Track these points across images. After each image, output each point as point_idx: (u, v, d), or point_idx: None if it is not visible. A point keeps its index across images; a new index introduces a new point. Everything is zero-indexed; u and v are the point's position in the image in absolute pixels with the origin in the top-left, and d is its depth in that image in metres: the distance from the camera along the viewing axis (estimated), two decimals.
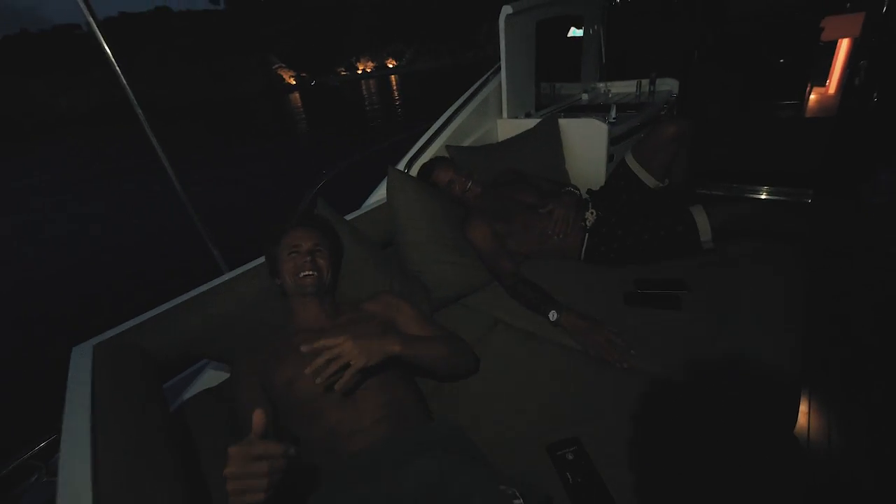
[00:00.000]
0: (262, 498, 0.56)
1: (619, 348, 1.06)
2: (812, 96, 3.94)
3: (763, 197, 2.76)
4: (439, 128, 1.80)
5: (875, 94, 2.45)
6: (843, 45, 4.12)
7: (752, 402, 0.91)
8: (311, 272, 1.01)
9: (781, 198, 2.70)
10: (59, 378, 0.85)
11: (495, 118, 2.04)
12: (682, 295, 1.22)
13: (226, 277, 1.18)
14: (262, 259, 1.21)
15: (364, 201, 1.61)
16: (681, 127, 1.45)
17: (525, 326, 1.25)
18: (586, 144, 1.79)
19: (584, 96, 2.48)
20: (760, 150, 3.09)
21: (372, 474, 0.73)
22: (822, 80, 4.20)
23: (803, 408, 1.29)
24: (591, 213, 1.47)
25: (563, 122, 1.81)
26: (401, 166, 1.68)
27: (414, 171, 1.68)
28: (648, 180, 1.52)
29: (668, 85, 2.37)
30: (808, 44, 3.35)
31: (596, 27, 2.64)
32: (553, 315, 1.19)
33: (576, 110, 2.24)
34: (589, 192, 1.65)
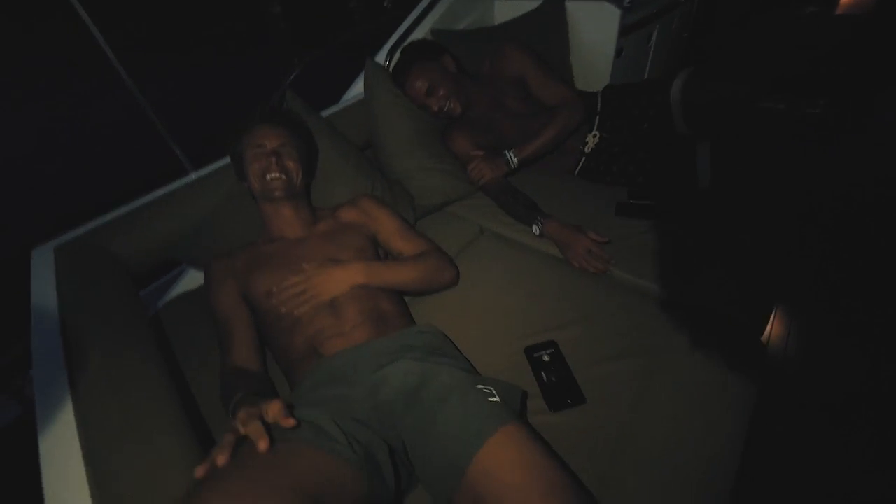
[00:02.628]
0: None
1: (599, 259, 1.05)
2: None
3: (770, 106, 2.59)
4: (426, 8, 1.55)
5: None
6: None
7: (724, 312, 0.93)
8: (278, 174, 0.91)
9: (789, 108, 2.53)
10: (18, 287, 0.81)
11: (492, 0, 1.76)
12: (674, 207, 1.18)
13: (193, 177, 1.10)
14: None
15: (342, 96, 1.44)
16: None
17: (510, 234, 1.22)
18: (594, 33, 1.57)
19: None
20: (779, 52, 2.82)
21: (354, 372, 0.75)
22: None
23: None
24: (594, 135, 1.30)
25: (569, 5, 1.57)
26: (381, 56, 1.48)
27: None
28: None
29: None
30: None
31: None
32: (536, 229, 1.15)
33: None
34: (603, 98, 1.31)
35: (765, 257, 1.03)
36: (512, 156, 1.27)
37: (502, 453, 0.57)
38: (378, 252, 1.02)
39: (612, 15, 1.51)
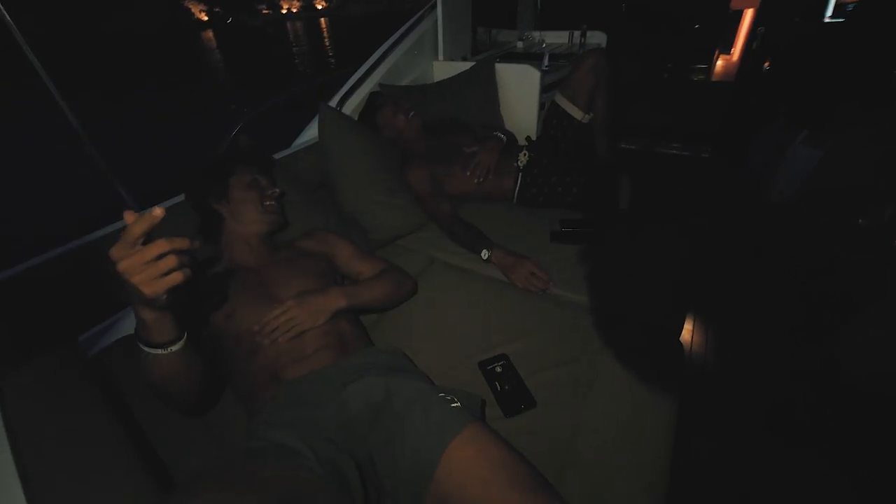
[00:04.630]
0: (180, 278, 0.53)
1: (540, 280, 1.17)
2: (719, 62, 4.32)
3: (670, 152, 3.06)
4: (372, 66, 1.71)
5: (767, 61, 2.75)
6: (748, 15, 4.51)
7: (647, 319, 1.06)
8: (274, 202, 1.02)
9: (685, 153, 3.01)
10: None
11: (431, 60, 1.99)
12: (599, 232, 1.35)
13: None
14: (179, 198, 1.12)
15: (293, 142, 1.52)
16: (595, 57, 1.56)
17: (459, 263, 1.32)
18: (520, 90, 1.82)
19: (520, 44, 2.49)
20: (672, 109, 3.38)
21: (319, 394, 0.75)
22: (728, 47, 4.60)
23: (689, 325, 1.54)
24: (524, 154, 1.53)
25: (498, 66, 1.82)
26: (332, 103, 1.60)
27: (346, 110, 1.61)
28: (576, 113, 1.62)
29: (598, 38, 2.45)
30: (718, 11, 3.64)
31: None
32: (485, 254, 1.26)
33: (511, 57, 2.25)
34: (528, 139, 1.72)
35: (678, 270, 1.20)
36: (500, 134, 1.57)
37: (467, 451, 0.60)
38: (337, 276, 1.06)
39: (534, 75, 1.77)
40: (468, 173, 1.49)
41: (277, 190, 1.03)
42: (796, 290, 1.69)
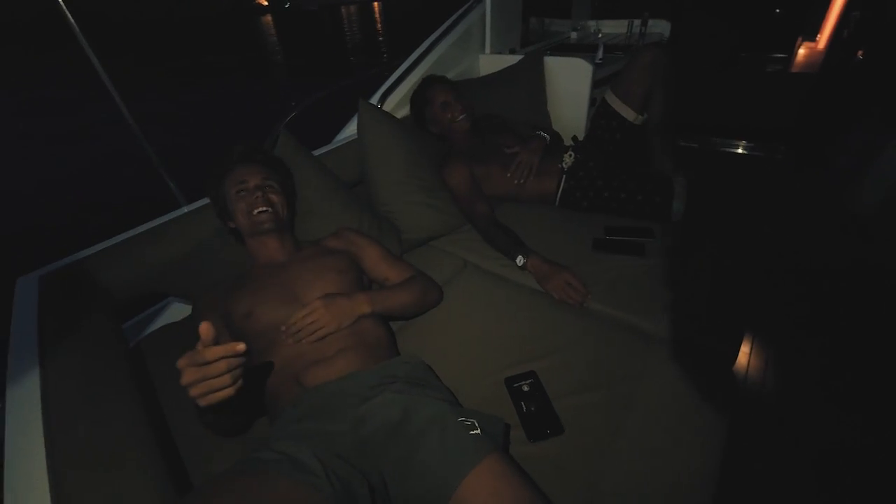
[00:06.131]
0: (230, 393, 0.59)
1: (578, 292, 1.10)
2: (801, 51, 3.87)
3: (737, 152, 2.79)
4: (416, 60, 1.68)
5: (860, 51, 2.42)
6: None
7: (697, 343, 0.97)
8: (265, 208, 0.95)
9: (754, 154, 2.73)
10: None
11: (477, 53, 1.91)
12: (648, 243, 1.25)
13: (184, 210, 1.13)
14: None
15: (335, 137, 1.52)
16: (653, 53, 1.39)
17: (493, 269, 1.27)
18: (569, 85, 1.71)
19: (574, 34, 2.35)
20: (743, 104, 3.06)
21: (337, 407, 0.74)
22: (813, 34, 4.09)
23: (745, 348, 1.40)
24: (570, 155, 1.44)
25: (547, 59, 1.72)
26: (374, 100, 1.58)
27: (388, 106, 1.59)
28: (628, 114, 1.46)
29: (661, 27, 2.26)
30: None
31: None
32: (520, 260, 1.21)
33: (563, 49, 2.13)
34: (574, 139, 1.62)
35: (736, 289, 1.08)
36: (542, 133, 1.49)
37: (482, 487, 0.57)
38: (362, 277, 1.05)
39: (585, 69, 1.66)
40: (508, 174, 1.43)
41: (260, 194, 0.96)
42: (874, 314, 1.49)
